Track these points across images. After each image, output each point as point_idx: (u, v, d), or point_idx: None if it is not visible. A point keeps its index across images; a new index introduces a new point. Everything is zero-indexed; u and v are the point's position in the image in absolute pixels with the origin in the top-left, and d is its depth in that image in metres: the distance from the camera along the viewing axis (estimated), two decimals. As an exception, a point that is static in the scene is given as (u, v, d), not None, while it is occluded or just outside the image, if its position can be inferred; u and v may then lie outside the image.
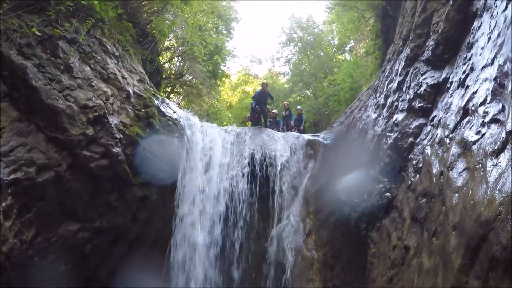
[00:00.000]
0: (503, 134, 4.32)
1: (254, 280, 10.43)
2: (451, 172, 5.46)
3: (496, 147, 4.40)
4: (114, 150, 9.53)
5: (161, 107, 11.61)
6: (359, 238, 9.24)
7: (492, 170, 4.29)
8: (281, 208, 11.14)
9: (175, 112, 12.16)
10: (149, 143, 10.31)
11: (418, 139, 8.02)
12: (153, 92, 11.83)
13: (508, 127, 4.23)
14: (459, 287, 4.27)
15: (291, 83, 37.20)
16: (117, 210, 9.72)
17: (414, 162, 7.79)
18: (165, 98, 12.86)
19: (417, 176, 7.34)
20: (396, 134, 8.81)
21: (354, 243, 9.36)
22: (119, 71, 10.70)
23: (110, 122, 9.59)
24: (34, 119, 8.64)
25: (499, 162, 4.24)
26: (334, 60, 33.86)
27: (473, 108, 5.46)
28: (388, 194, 8.64)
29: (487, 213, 4.01)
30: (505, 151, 4.21)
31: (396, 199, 8.25)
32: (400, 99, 9.12)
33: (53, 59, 8.86)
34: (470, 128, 5.38)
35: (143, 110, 10.84)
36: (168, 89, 22.66)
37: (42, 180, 8.54)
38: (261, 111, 17.14)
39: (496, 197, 3.98)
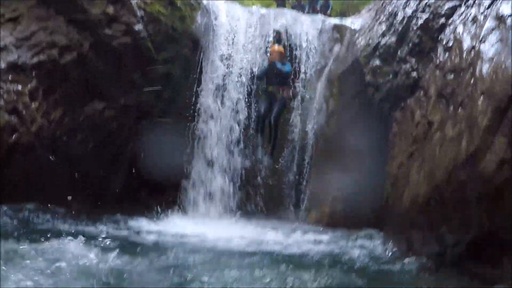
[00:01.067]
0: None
1: (276, 160, 10.62)
2: (483, 44, 5.33)
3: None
4: (136, 28, 9.48)
5: (183, -15, 11.20)
6: (382, 119, 9.22)
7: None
8: (305, 88, 11.06)
9: (197, -10, 11.75)
10: (171, 19, 10.14)
11: (451, 20, 7.67)
12: (174, -30, 11.40)
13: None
14: (484, 147, 4.29)
15: (318, -30, 35.61)
16: (141, 88, 9.80)
17: (444, 42, 7.50)
18: (187, -23, 12.40)
19: (447, 54, 7.11)
20: (427, 15, 8.38)
21: (377, 124, 9.36)
22: None
23: (131, 0, 9.42)
24: (52, 3, 8.65)
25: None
26: None
27: (509, -16, 5.20)
28: (414, 74, 8.40)
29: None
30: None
31: (423, 79, 8.04)
32: (433, -20, 8.63)
33: None
34: (507, 3, 5.15)
35: (163, -13, 10.56)
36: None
37: (65, 61, 8.70)
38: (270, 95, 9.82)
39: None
